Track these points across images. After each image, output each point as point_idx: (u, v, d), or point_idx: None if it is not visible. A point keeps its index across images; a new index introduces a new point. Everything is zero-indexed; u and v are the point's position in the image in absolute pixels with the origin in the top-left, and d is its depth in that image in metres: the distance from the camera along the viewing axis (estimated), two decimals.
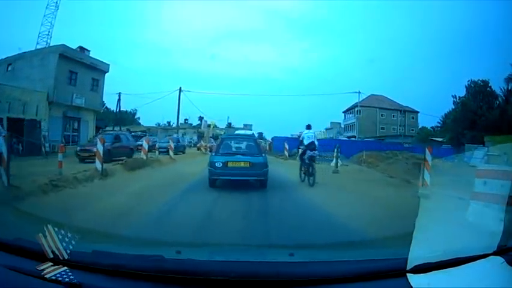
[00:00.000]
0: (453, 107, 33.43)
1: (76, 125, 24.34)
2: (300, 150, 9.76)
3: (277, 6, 74.41)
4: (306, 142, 9.47)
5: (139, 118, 49.32)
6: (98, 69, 25.88)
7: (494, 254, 1.33)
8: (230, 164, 7.89)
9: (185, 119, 47.12)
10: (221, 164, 7.86)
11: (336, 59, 66.37)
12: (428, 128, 44.10)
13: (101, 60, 26.63)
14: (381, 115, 45.26)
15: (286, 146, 19.21)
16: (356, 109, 42.88)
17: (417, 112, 45.04)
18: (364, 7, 66.63)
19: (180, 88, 32.38)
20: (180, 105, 32.94)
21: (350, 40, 66.73)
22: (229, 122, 49.47)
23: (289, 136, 36.09)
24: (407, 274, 1.30)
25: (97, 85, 26.23)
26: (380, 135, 40.20)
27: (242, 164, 7.94)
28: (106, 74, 26.68)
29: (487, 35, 55.22)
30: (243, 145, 8.69)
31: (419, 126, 45.64)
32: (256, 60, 73.02)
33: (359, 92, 37.45)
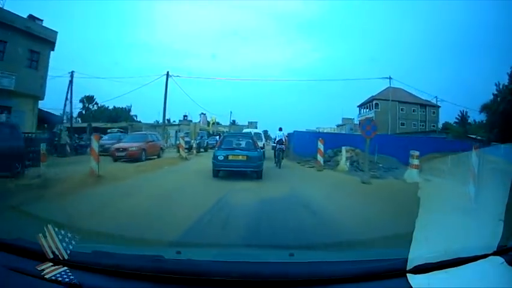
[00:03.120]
0: (491, 97, 27.32)
1: (2, 117, 16.71)
2: (275, 145, 14.12)
3: (279, 7, 74.19)
4: (277, 139, 14.02)
5: (136, 116, 46.19)
6: (38, 38, 17.95)
7: (494, 254, 1.33)
8: (230, 157, 9.44)
9: (185, 115, 43.77)
10: (223, 157, 9.43)
11: (338, 59, 65.91)
12: (450, 123, 40.23)
13: (45, 26, 18.74)
14: (401, 109, 40.07)
15: (321, 147, 12.08)
16: (374, 102, 39.25)
17: (439, 107, 40.21)
18: (366, 7, 66.46)
19: (168, 72, 26.86)
20: (167, 95, 27.10)
21: (352, 39, 66.44)
22: (233, 119, 46.85)
23: (315, 130, 29.46)
24: (407, 274, 1.30)
25: (37, 60, 18.26)
26: (402, 132, 35.28)
27: (240, 158, 9.47)
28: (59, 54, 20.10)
29: (488, 33, 54.91)
30: (242, 141, 10.42)
31: (442, 122, 40.97)
32: (258, 59, 72.57)
33: (390, 78, 31.26)
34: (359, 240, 3.77)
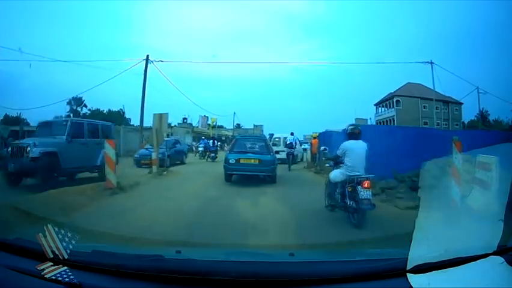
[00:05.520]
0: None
1: None
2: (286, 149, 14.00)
3: (284, 7, 73.47)
4: (288, 143, 14.11)
5: (130, 119, 40.37)
6: None
7: (494, 254, 1.33)
8: (242, 161, 9.19)
9: (184, 118, 38.89)
10: (234, 161, 9.19)
11: (344, 59, 65.13)
12: (475, 120, 36.94)
13: None
14: (424, 107, 36.32)
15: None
16: (395, 99, 36.22)
17: (461, 104, 36.44)
18: (371, 7, 65.82)
19: (147, 56, 21.03)
20: (146, 85, 20.62)
21: (357, 40, 65.58)
22: (237, 122, 43.19)
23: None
24: (407, 274, 1.30)
25: None
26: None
27: (252, 161, 9.18)
28: None
29: (490, 33, 54.50)
30: (254, 144, 9.97)
31: (465, 120, 37.44)
32: (262, 59, 71.39)
33: (431, 63, 25.27)
34: (359, 240, 3.77)
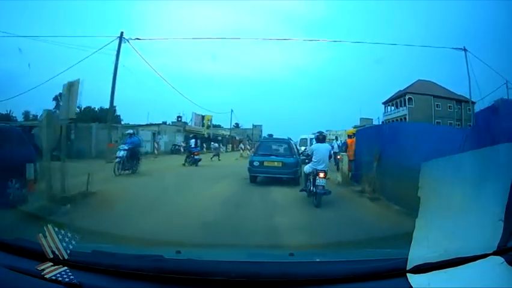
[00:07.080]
0: None
1: None
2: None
3: (284, 7, 73.28)
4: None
5: (119, 116, 34.36)
6: None
7: (494, 254, 1.32)
8: (266, 163, 9.59)
9: (179, 116, 34.62)
10: (258, 163, 9.61)
11: (344, 60, 64.62)
12: None
13: None
14: (437, 105, 33.75)
15: None
16: (407, 97, 34.23)
17: (474, 103, 31.76)
18: (371, 7, 65.45)
19: (122, 34, 17.59)
20: (118, 65, 17.09)
21: (357, 40, 65.02)
22: (236, 122, 41.31)
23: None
24: (407, 274, 1.30)
25: None
26: None
27: (276, 164, 9.54)
28: None
29: (491, 33, 54.20)
30: (278, 147, 10.37)
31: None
32: (263, 60, 70.95)
33: (465, 50, 22.21)
34: (359, 240, 3.77)
